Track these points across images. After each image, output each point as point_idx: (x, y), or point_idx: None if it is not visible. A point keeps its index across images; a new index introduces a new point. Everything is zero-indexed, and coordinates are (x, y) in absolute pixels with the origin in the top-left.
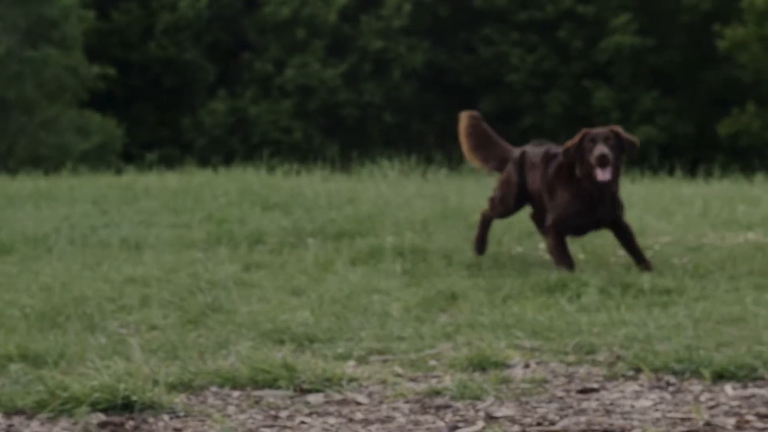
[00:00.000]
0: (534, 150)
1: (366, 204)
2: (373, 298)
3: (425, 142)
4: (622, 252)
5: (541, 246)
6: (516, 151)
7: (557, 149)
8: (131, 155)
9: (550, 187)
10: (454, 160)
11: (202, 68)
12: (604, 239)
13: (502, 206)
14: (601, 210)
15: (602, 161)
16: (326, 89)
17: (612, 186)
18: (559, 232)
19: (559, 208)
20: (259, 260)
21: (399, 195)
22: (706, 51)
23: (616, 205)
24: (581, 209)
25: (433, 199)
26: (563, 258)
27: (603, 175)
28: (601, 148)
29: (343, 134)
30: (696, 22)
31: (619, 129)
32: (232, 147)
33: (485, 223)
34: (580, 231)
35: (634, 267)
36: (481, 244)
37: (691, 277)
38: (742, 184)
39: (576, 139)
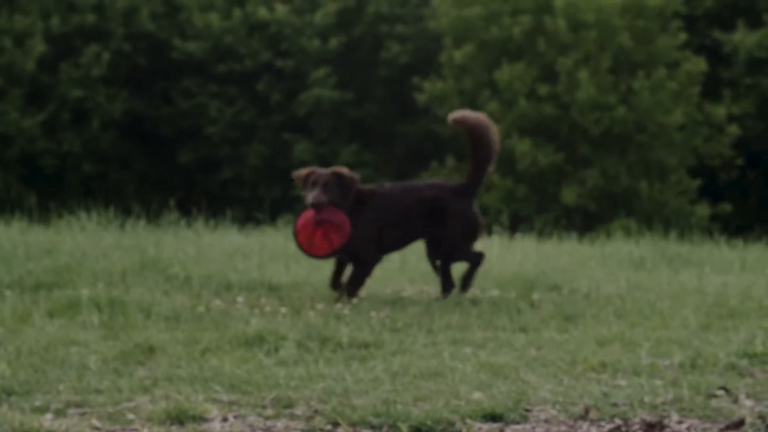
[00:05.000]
0: None
1: (64, 255)
2: (71, 350)
3: (124, 192)
4: (320, 305)
5: (240, 299)
6: None
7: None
8: None
9: None
10: (152, 212)
11: None
12: (301, 292)
13: None
14: None
15: (315, 206)
16: (25, 138)
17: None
18: None
19: None
20: None
21: (97, 246)
22: (404, 104)
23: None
24: None
25: (131, 251)
26: None
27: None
28: (315, 194)
29: (41, 184)
30: (394, 76)
31: (340, 170)
32: None
33: None
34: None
35: (332, 320)
36: None
37: (390, 331)
38: None
39: (304, 172)
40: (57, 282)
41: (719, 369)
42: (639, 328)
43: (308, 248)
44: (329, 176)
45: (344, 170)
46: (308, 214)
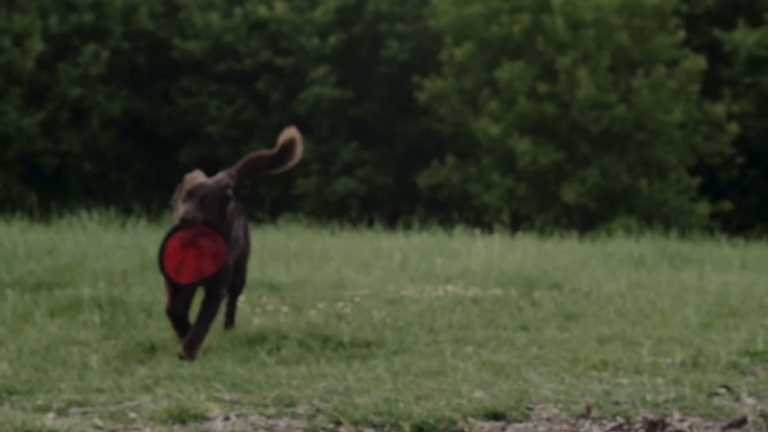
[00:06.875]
0: None
1: (65, 255)
2: (72, 349)
3: (124, 191)
4: (321, 304)
5: (241, 299)
6: None
7: None
8: None
9: None
10: (153, 211)
11: None
12: (303, 291)
13: None
14: None
15: (184, 223)
16: (24, 138)
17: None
18: None
19: None
20: None
21: (98, 246)
22: (405, 103)
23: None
24: None
25: (132, 251)
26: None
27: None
28: (184, 208)
29: (41, 183)
30: (394, 74)
31: (224, 181)
32: None
33: None
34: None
35: (334, 320)
36: None
37: (391, 330)
38: (441, 237)
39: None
40: (58, 281)
41: (721, 367)
42: (640, 326)
43: (174, 275)
44: (209, 188)
45: (225, 180)
46: (184, 235)
